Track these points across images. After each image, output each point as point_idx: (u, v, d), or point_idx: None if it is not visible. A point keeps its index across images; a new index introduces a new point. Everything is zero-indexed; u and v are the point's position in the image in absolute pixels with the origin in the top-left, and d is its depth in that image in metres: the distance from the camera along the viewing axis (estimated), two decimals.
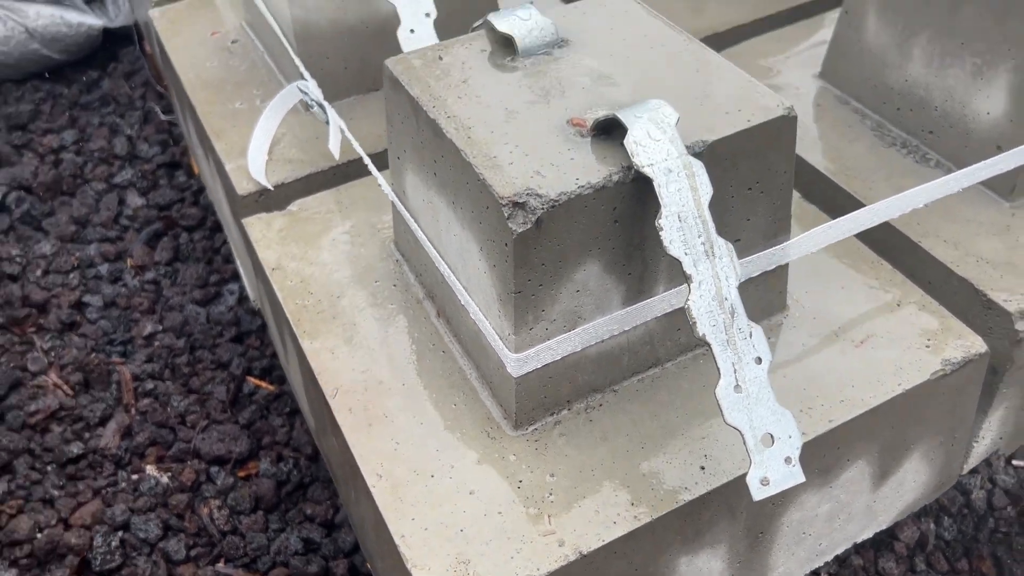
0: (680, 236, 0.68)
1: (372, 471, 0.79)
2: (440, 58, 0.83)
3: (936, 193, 0.88)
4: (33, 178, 1.84)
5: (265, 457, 1.33)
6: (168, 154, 1.89)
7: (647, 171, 0.68)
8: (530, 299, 0.73)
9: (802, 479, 0.68)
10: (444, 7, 1.01)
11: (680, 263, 0.68)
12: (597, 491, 0.76)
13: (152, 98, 2.06)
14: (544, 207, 0.68)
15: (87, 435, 1.38)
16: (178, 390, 1.43)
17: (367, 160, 0.94)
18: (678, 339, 0.84)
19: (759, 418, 0.67)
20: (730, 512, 0.79)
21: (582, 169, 0.71)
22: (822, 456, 0.81)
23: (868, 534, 0.96)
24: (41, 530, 1.24)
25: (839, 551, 0.95)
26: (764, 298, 0.86)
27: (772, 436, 0.68)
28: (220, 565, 1.21)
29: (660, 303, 0.80)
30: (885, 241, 0.97)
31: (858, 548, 1.15)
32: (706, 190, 0.69)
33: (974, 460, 0.99)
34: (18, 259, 1.67)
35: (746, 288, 0.70)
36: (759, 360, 0.68)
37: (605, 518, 0.74)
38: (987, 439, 0.97)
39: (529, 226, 0.68)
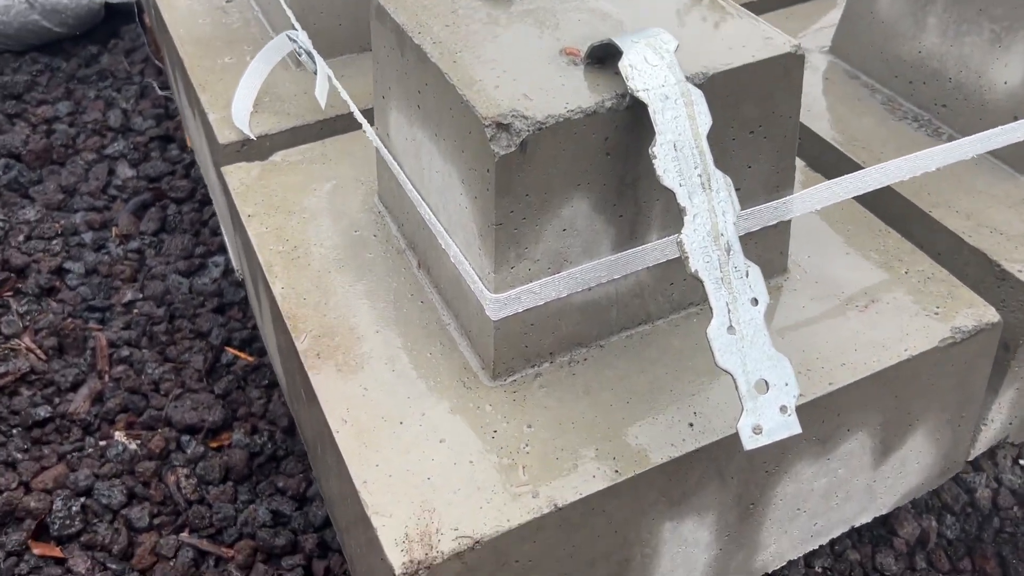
0: (675, 166, 0.63)
1: (337, 416, 0.74)
2: None
3: (949, 157, 0.83)
4: (23, 146, 1.80)
5: (239, 428, 1.27)
6: (162, 128, 1.85)
7: (642, 96, 0.64)
8: (512, 234, 0.68)
9: (798, 430, 0.63)
10: None
11: (674, 194, 0.63)
12: (577, 444, 0.71)
13: (150, 74, 2.02)
14: (530, 130, 0.64)
15: (56, 400, 1.32)
16: (154, 358, 1.38)
17: (351, 103, 0.89)
18: (670, 295, 0.79)
19: (753, 362, 0.62)
20: (719, 476, 0.73)
21: (573, 94, 0.66)
22: (820, 422, 0.76)
23: (867, 518, 0.90)
24: (0, 492, 1.18)
25: (835, 534, 0.89)
26: (763, 257, 0.81)
27: (767, 382, 0.62)
28: (184, 535, 1.15)
29: (652, 252, 0.75)
30: (894, 211, 0.92)
31: (855, 543, 1.09)
32: (705, 120, 0.65)
33: (982, 446, 0.94)
34: (1, 224, 1.63)
35: (745, 244, 0.65)
36: (755, 301, 0.63)
37: (584, 472, 0.69)
38: (996, 423, 0.91)
39: (513, 149, 0.64)
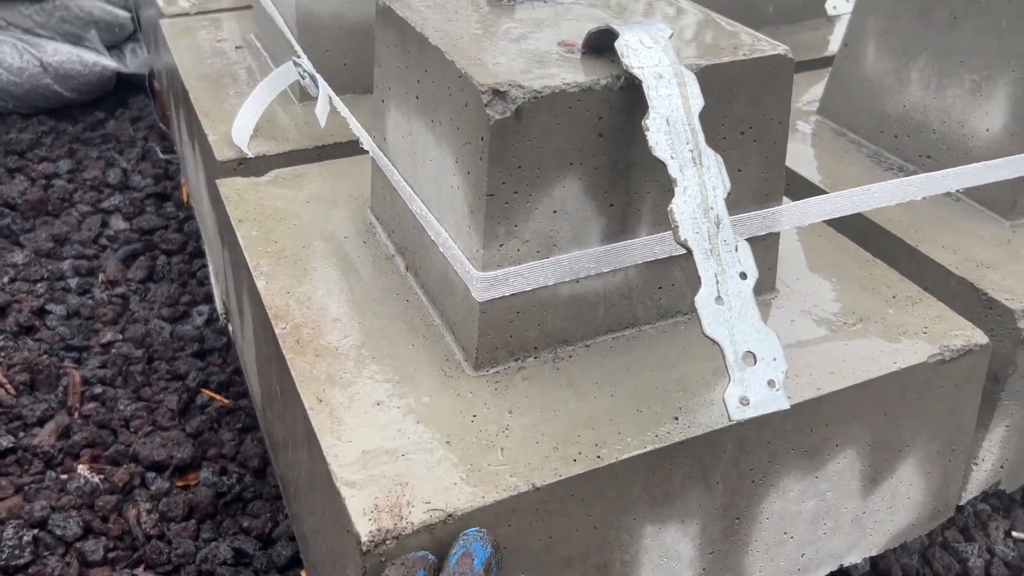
0: (667, 139, 0.64)
1: (312, 396, 0.71)
2: None
3: (938, 186, 0.85)
4: (19, 196, 1.81)
5: (208, 468, 1.23)
6: (160, 186, 1.88)
7: (636, 73, 0.65)
8: (503, 208, 0.68)
9: (786, 406, 0.61)
10: None
11: (665, 166, 0.64)
12: (559, 430, 0.68)
13: (154, 139, 2.06)
14: (525, 98, 0.65)
15: (21, 433, 1.28)
16: (127, 396, 1.35)
17: (347, 114, 0.91)
18: (658, 300, 0.79)
19: (741, 334, 0.61)
20: (704, 478, 0.71)
21: (569, 72, 0.68)
22: (808, 431, 0.74)
23: (856, 557, 0.86)
24: None
25: (822, 572, 0.85)
26: None
27: (754, 355, 0.61)
28: (139, 570, 1.09)
29: (642, 248, 0.75)
30: (881, 246, 0.93)
31: None
32: (697, 101, 0.66)
33: (973, 488, 0.91)
34: None
35: None
36: (744, 275, 0.63)
37: (565, 455, 0.66)
38: (988, 463, 0.89)
39: (508, 115, 0.65)
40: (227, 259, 1.05)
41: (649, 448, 0.67)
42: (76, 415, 1.32)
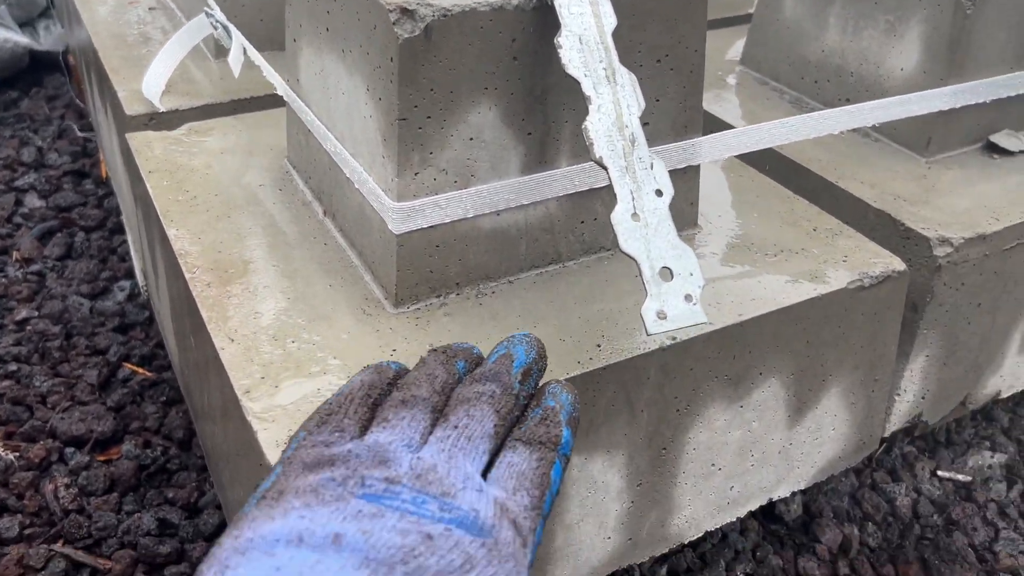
0: (580, 57, 0.63)
1: (223, 336, 0.69)
2: None
3: (858, 119, 0.86)
4: None
5: (130, 441, 1.18)
6: (78, 164, 1.81)
7: None
8: (416, 133, 0.66)
9: (704, 319, 0.60)
10: None
11: (579, 85, 0.63)
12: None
13: (71, 118, 1.99)
14: (435, 15, 0.63)
15: None
16: (44, 372, 1.29)
17: (260, 60, 0.88)
18: (581, 235, 0.78)
19: (657, 250, 0.60)
20: (629, 406, 0.70)
21: None
22: (731, 358, 0.74)
23: (784, 491, 0.87)
24: None
25: (752, 505, 0.85)
26: (673, 208, 0.81)
27: (671, 271, 0.61)
28: (57, 545, 1.05)
29: (563, 178, 0.74)
30: (801, 184, 0.94)
31: (777, 549, 1.05)
32: (609, 19, 0.65)
33: (897, 420, 0.92)
34: None
35: None
36: (660, 193, 0.62)
37: None
38: (910, 394, 0.90)
39: (417, 34, 0.63)
40: (139, 216, 1.01)
41: (572, 374, 0.66)
42: None
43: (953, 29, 0.90)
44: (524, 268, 0.76)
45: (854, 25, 1.01)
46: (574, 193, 0.75)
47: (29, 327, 1.38)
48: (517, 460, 0.46)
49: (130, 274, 1.51)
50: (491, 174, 0.71)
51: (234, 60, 0.97)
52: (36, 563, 1.03)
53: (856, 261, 0.80)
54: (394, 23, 0.63)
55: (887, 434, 0.93)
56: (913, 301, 0.85)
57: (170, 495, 1.11)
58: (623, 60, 0.65)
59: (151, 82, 1.02)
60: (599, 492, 0.73)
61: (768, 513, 1.07)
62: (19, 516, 1.08)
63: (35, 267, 1.53)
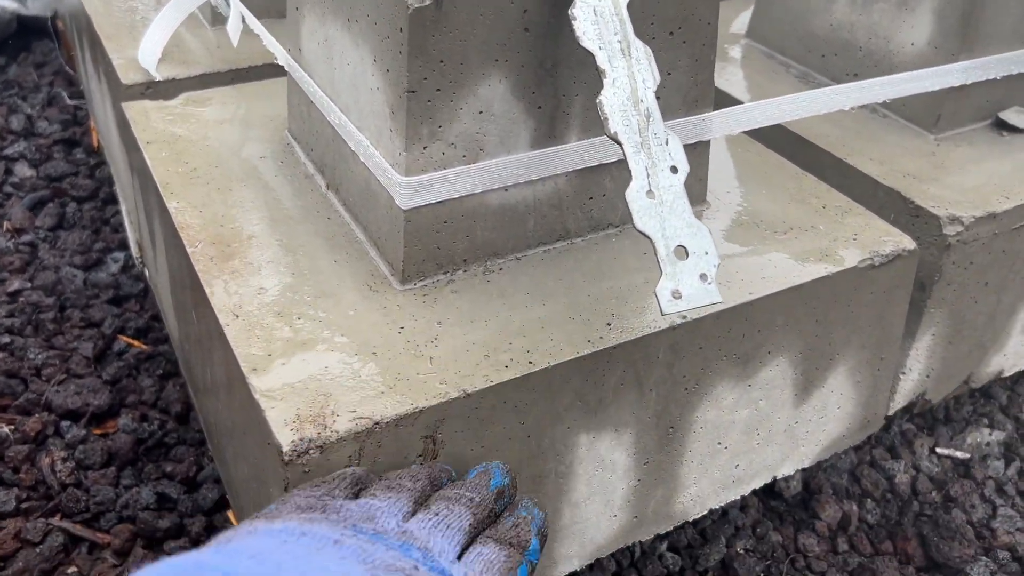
0: (595, 29, 0.62)
1: (228, 311, 0.67)
2: None
3: (869, 95, 0.85)
4: None
5: (127, 415, 1.17)
6: (68, 132, 1.78)
7: None
8: (426, 106, 0.65)
9: (719, 299, 0.59)
10: None
11: (593, 57, 0.61)
12: (490, 338, 0.66)
13: (61, 85, 1.95)
14: None
15: None
16: (38, 344, 1.28)
17: (260, 28, 0.86)
18: (590, 211, 0.77)
19: (672, 228, 0.59)
20: (638, 385, 0.69)
21: None
22: (741, 337, 0.73)
23: (789, 469, 0.87)
24: None
25: (756, 483, 0.85)
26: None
27: (686, 249, 0.60)
28: (55, 519, 1.04)
29: (572, 153, 0.72)
30: (810, 160, 0.93)
31: (777, 525, 1.05)
32: None
33: (901, 398, 0.92)
34: None
35: None
36: (675, 169, 0.61)
37: (496, 362, 0.64)
38: (915, 372, 0.90)
39: (428, 3, 0.61)
40: (136, 187, 1.00)
41: (582, 353, 0.65)
42: None
43: (966, 3, 0.89)
44: (532, 245, 0.75)
45: None
46: (583, 169, 0.74)
47: (22, 298, 1.36)
48: (487, 552, 0.50)
49: (124, 245, 1.49)
50: (500, 148, 0.70)
51: (232, 28, 0.95)
52: (34, 537, 1.02)
53: (866, 239, 0.80)
54: None
55: (891, 412, 0.93)
56: (921, 280, 0.85)
57: (168, 469, 1.10)
58: (635, 32, 0.64)
59: (147, 51, 0.99)
60: (606, 471, 0.72)
61: (768, 490, 1.07)
62: (15, 490, 1.07)
63: (27, 237, 1.50)
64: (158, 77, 0.99)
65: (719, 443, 0.78)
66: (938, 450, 1.16)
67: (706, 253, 0.60)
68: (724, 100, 1.03)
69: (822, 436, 0.86)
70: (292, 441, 0.57)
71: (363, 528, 0.46)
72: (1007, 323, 0.94)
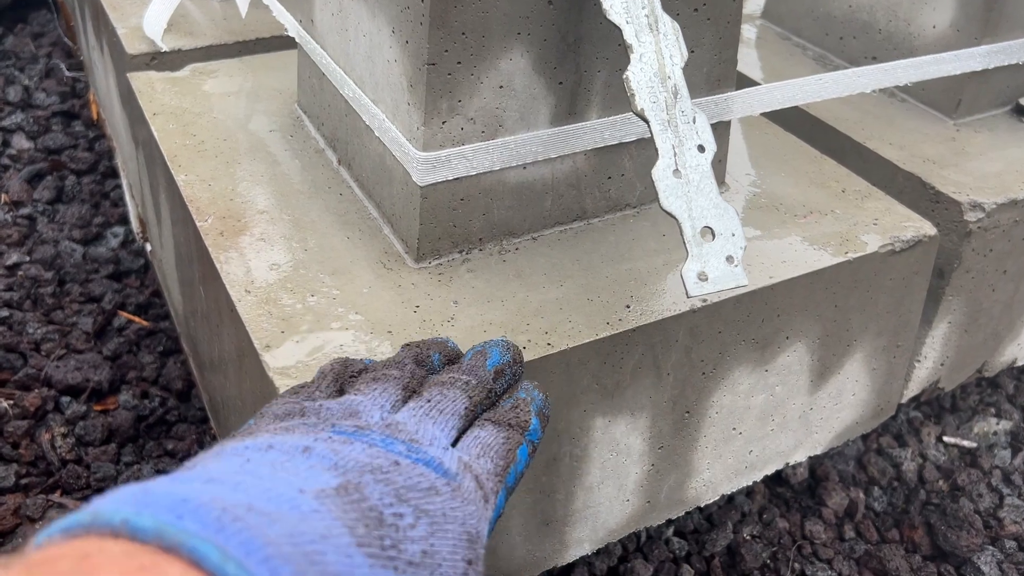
0: (622, 3, 0.60)
1: (240, 287, 0.66)
2: None
3: (891, 77, 0.83)
4: None
5: (127, 391, 1.16)
6: (67, 104, 1.75)
7: None
8: (446, 79, 0.63)
9: (745, 281, 0.58)
10: None
11: (620, 31, 0.60)
12: (507, 319, 0.65)
13: (59, 56, 1.92)
14: None
15: None
16: (37, 319, 1.26)
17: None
18: (608, 191, 0.75)
19: (699, 209, 0.58)
20: (656, 369, 0.68)
21: None
22: (760, 321, 0.72)
23: (801, 456, 0.86)
24: None
25: (769, 469, 0.84)
26: None
27: (712, 231, 0.58)
28: (55, 495, 1.03)
29: (592, 132, 0.71)
30: (829, 144, 0.91)
31: (783, 512, 1.05)
32: None
33: (915, 386, 0.91)
34: None
35: None
36: (702, 148, 0.59)
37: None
38: (929, 360, 0.89)
39: None
40: (141, 161, 0.98)
41: (601, 335, 0.64)
42: None
43: None
44: (548, 224, 0.74)
45: None
46: (602, 147, 0.72)
47: (20, 272, 1.34)
48: (484, 435, 0.47)
49: (124, 220, 1.47)
50: (519, 125, 0.68)
51: (241, 0, 0.93)
52: (33, 513, 1.01)
53: (887, 225, 0.78)
54: None
55: (904, 400, 0.92)
56: (939, 267, 0.83)
57: (170, 447, 1.09)
58: (662, 7, 0.62)
59: (152, 19, 0.97)
60: (621, 455, 0.71)
61: (775, 476, 1.07)
62: (15, 465, 1.06)
63: (25, 211, 1.48)
64: (164, 47, 0.97)
65: (734, 428, 0.77)
66: (945, 439, 1.16)
67: (733, 234, 0.58)
68: (739, 82, 1.01)
69: (835, 423, 0.85)
70: None
71: (342, 427, 0.43)
72: (1023, 312, 0.93)
